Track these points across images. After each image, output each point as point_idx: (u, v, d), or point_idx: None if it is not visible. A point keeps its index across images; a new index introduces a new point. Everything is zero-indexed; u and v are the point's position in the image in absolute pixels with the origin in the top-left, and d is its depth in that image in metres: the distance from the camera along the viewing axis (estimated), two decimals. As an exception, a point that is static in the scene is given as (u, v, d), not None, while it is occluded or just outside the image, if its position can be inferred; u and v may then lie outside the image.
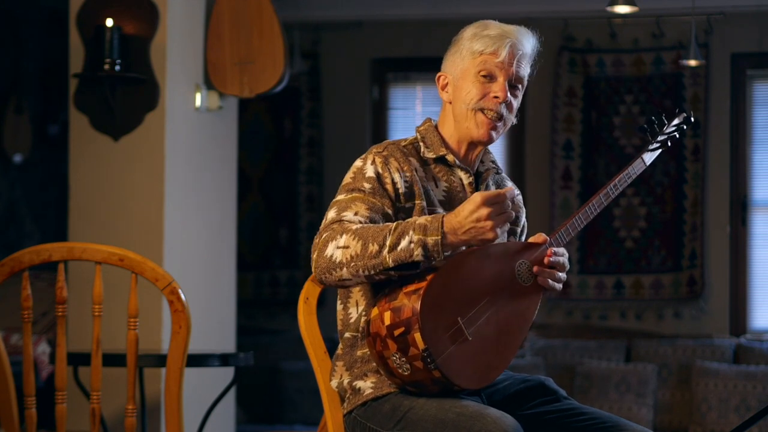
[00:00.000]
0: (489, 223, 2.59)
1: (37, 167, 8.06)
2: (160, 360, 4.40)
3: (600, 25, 7.78)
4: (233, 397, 5.98)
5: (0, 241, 7.70)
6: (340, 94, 8.25)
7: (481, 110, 2.82)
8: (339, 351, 2.83)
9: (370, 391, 2.74)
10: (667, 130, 3.01)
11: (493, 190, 2.92)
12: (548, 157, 7.85)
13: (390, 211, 2.74)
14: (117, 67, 5.26)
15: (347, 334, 2.82)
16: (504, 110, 2.82)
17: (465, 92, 2.83)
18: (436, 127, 2.91)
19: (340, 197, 2.75)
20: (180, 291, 3.12)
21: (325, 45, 8.25)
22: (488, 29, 2.86)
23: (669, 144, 3.01)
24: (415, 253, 2.58)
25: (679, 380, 7.22)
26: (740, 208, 7.66)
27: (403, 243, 2.58)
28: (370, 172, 2.76)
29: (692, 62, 6.55)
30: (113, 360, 4.17)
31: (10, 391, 3.11)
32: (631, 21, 7.65)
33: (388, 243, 2.59)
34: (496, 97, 2.81)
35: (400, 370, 2.64)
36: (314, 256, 2.66)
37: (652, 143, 2.99)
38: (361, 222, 2.68)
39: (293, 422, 7.63)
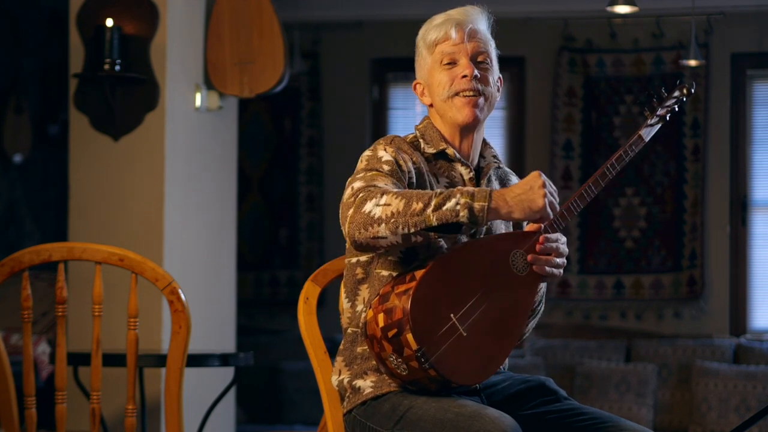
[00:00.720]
0: (541, 191, 2.62)
1: (37, 167, 8.06)
2: (160, 360, 4.40)
3: (600, 25, 7.78)
4: (233, 397, 5.98)
5: (0, 241, 7.70)
6: (340, 94, 8.25)
7: (456, 94, 2.82)
8: (341, 347, 2.84)
9: (370, 390, 2.74)
10: (667, 104, 2.93)
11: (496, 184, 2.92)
12: (548, 157, 7.85)
13: None
14: (117, 67, 5.25)
15: (350, 330, 2.81)
16: (478, 85, 2.82)
17: (436, 86, 2.85)
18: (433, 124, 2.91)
19: (359, 176, 2.73)
20: (180, 291, 3.12)
21: (325, 45, 8.25)
22: (434, 20, 2.88)
23: (668, 119, 2.93)
24: (461, 214, 2.57)
25: (679, 380, 7.22)
26: (740, 208, 7.66)
27: (449, 204, 2.58)
28: (386, 156, 2.75)
29: (692, 62, 6.55)
30: (113, 360, 4.17)
31: (10, 391, 3.11)
32: (631, 21, 7.65)
33: (433, 203, 2.58)
34: (464, 76, 2.81)
35: (398, 370, 2.64)
36: (350, 212, 2.63)
37: (651, 118, 2.91)
38: None
39: (293, 422, 7.63)
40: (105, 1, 5.37)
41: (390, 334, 2.60)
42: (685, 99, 2.95)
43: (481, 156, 2.92)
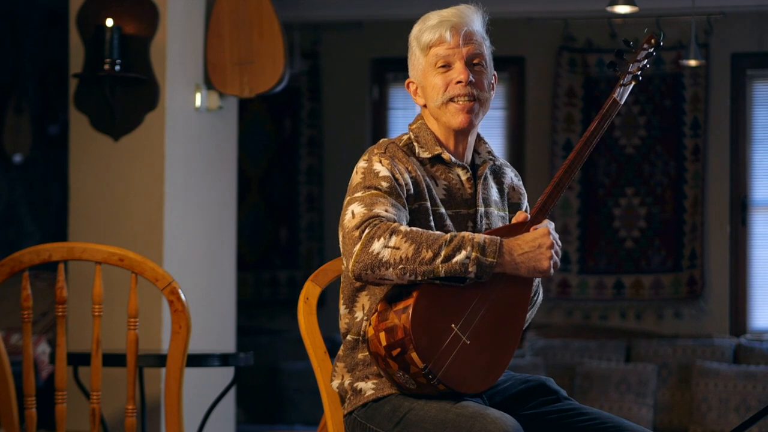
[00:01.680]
0: (548, 252, 2.62)
1: (37, 167, 8.06)
2: (160, 360, 4.40)
3: (600, 25, 7.78)
4: (233, 397, 5.98)
5: (0, 241, 7.70)
6: (340, 94, 8.25)
7: (451, 100, 2.80)
8: (340, 353, 2.82)
9: (371, 392, 2.74)
10: (637, 59, 2.84)
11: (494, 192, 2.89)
12: (548, 157, 7.85)
13: (407, 211, 2.71)
14: (117, 67, 5.25)
15: (349, 337, 2.80)
16: (473, 90, 2.80)
17: (431, 89, 2.83)
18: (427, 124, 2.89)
19: (357, 194, 2.69)
20: (180, 291, 3.12)
21: (325, 45, 8.25)
22: (428, 21, 2.84)
23: (641, 77, 2.84)
24: (470, 269, 2.58)
25: (679, 380, 7.22)
26: (740, 208, 7.66)
27: (459, 257, 2.58)
28: (383, 171, 2.72)
29: (692, 62, 6.55)
30: (113, 360, 4.17)
31: (10, 391, 3.11)
32: (631, 21, 7.65)
33: (443, 253, 2.58)
34: (459, 82, 2.79)
35: (407, 385, 2.64)
36: (356, 249, 2.60)
37: (624, 78, 2.82)
38: (394, 221, 2.64)
39: (293, 422, 7.63)
40: (105, 1, 5.37)
41: (394, 353, 2.60)
42: (654, 51, 2.86)
43: (476, 152, 2.90)
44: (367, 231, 2.61)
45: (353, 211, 2.66)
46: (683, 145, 7.68)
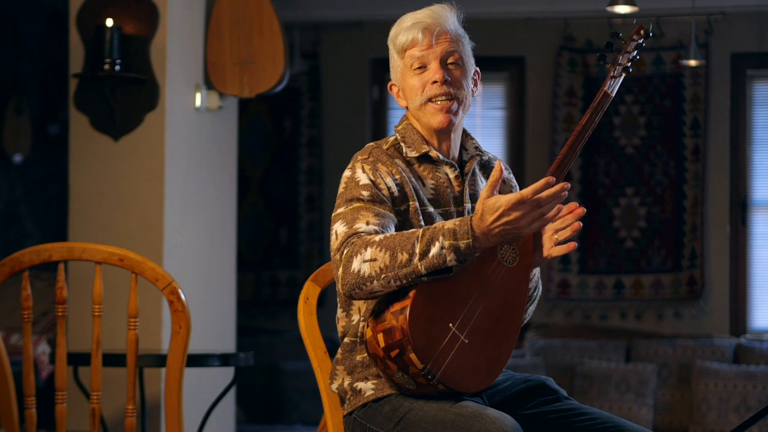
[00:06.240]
0: (520, 224, 2.55)
1: (37, 167, 8.06)
2: (160, 360, 4.40)
3: (600, 25, 7.78)
4: (233, 397, 5.98)
5: (0, 241, 7.70)
6: (340, 94, 8.25)
7: (429, 100, 2.81)
8: (338, 355, 2.82)
9: (371, 392, 2.74)
10: (627, 51, 2.83)
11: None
12: (548, 157, 7.85)
13: (393, 215, 2.72)
14: (117, 67, 5.26)
15: (347, 339, 2.80)
16: (450, 89, 2.81)
17: (409, 91, 2.84)
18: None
19: (340, 210, 2.72)
20: (180, 291, 3.13)
21: (325, 45, 8.25)
22: (403, 23, 2.86)
23: (630, 69, 2.83)
24: (448, 258, 2.55)
25: (679, 380, 7.22)
26: (740, 208, 7.66)
27: (434, 249, 2.56)
28: (363, 179, 2.74)
29: (692, 62, 6.55)
30: (113, 360, 4.17)
31: (10, 391, 3.11)
32: (631, 21, 7.65)
33: (417, 251, 2.56)
34: (435, 82, 2.80)
35: (407, 386, 2.64)
36: (339, 272, 2.63)
37: (614, 70, 2.81)
38: (375, 231, 2.65)
39: (293, 422, 7.63)
40: (105, 1, 5.37)
41: (393, 354, 2.60)
42: (643, 42, 2.85)
43: (464, 148, 2.90)
44: (345, 252, 2.63)
45: (336, 232, 2.69)
46: (683, 145, 7.68)
